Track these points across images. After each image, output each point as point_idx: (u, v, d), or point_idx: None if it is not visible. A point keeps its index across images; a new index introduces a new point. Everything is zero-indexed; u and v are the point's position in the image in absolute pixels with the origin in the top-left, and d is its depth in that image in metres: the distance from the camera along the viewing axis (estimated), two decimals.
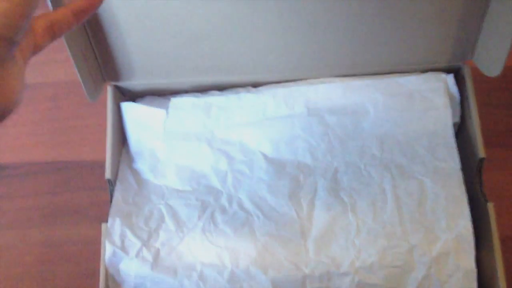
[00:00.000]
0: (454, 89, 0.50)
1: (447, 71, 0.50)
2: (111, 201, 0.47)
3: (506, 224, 0.55)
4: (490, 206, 0.45)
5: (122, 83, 0.50)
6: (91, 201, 0.59)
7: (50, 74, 0.63)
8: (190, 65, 0.48)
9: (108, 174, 0.47)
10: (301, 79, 0.51)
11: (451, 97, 0.49)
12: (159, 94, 0.52)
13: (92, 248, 0.49)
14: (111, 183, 0.48)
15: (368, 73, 0.50)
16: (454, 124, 0.50)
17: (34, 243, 0.58)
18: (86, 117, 0.62)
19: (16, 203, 0.60)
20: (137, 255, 0.46)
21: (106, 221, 0.46)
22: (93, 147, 0.61)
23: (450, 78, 0.50)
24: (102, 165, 0.59)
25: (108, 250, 0.46)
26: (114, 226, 0.47)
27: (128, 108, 0.51)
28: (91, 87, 0.46)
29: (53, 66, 0.64)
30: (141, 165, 0.50)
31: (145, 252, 0.46)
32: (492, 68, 0.46)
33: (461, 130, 0.51)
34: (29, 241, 0.58)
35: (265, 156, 0.49)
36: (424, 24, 0.46)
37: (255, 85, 0.51)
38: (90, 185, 0.60)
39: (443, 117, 0.49)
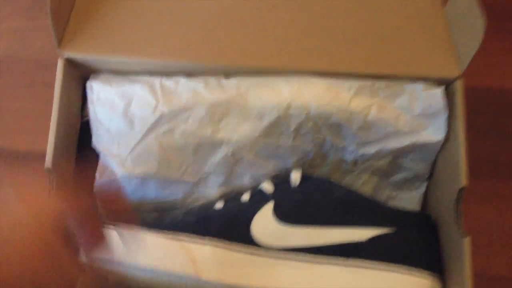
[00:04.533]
0: (442, 104, 0.46)
1: (438, 82, 0.46)
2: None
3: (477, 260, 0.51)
4: (466, 242, 0.42)
5: (76, 56, 0.43)
6: None
7: None
8: (158, 44, 0.43)
9: (48, 162, 0.41)
10: (278, 72, 0.45)
11: (438, 112, 0.45)
12: (116, 73, 0.46)
13: None
14: (51, 173, 0.42)
15: (351, 74, 0.45)
16: (437, 142, 0.46)
17: None
18: (24, 100, 0.54)
19: None
20: None
21: None
22: (30, 135, 0.52)
23: (440, 92, 0.46)
24: (36, 157, 0.51)
25: None
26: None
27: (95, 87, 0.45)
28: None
29: None
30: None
31: None
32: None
33: (442, 151, 0.47)
34: None
35: None
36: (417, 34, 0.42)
37: (228, 73, 0.46)
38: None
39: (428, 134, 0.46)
